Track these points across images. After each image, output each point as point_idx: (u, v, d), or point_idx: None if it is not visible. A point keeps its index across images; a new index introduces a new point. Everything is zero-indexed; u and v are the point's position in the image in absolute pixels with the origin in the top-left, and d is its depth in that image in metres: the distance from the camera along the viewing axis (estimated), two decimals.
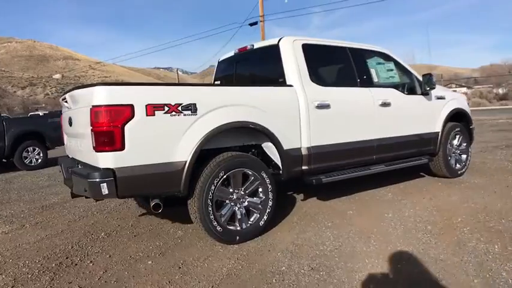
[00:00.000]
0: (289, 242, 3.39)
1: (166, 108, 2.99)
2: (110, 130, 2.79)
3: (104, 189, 2.79)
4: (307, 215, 4.15)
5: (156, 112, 2.94)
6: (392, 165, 4.70)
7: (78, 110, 3.21)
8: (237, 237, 3.40)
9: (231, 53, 4.88)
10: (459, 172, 5.59)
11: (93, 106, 2.81)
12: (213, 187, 3.24)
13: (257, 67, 4.62)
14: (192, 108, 3.10)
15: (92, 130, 2.83)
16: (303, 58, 3.93)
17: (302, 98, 3.78)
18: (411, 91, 4.93)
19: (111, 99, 2.80)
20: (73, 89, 3.34)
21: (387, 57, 4.91)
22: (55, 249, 3.59)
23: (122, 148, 2.82)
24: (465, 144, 5.70)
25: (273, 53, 4.06)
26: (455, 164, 5.57)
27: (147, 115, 2.91)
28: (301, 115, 3.78)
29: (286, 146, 3.66)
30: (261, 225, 3.55)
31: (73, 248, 3.59)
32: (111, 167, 2.82)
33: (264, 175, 3.55)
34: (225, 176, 3.32)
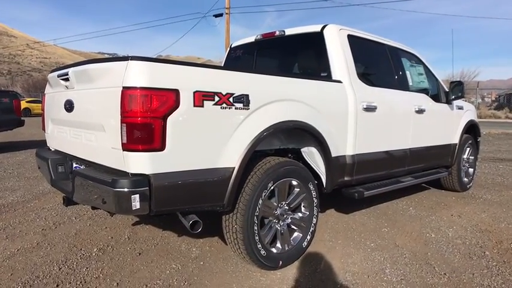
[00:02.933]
0: (340, 268, 2.84)
1: (216, 99, 2.28)
2: (148, 122, 2.04)
3: (135, 202, 2.04)
4: (338, 231, 3.63)
5: (204, 102, 2.23)
6: (420, 178, 4.33)
7: (91, 92, 2.38)
8: (280, 262, 2.78)
9: (250, 39, 4.20)
10: (467, 186, 5.40)
11: (125, 88, 2.04)
12: (260, 201, 2.59)
13: (289, 57, 3.99)
14: (244, 100, 2.43)
15: (121, 121, 2.05)
16: (350, 51, 3.39)
17: (351, 97, 3.23)
18: (436, 98, 4.59)
19: (152, 80, 2.05)
20: (81, 63, 2.50)
21: (418, 60, 4.53)
22: (36, 271, 2.73)
23: (162, 148, 2.08)
24: (473, 157, 5.52)
25: (314, 42, 3.48)
26: (464, 178, 5.36)
27: (194, 105, 2.19)
28: (349, 117, 3.23)
29: (334, 153, 3.10)
30: (304, 246, 2.96)
31: (61, 271, 2.74)
32: (146, 173, 2.07)
33: (311, 187, 2.96)
34: (272, 188, 2.68)
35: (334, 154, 3.09)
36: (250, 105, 2.45)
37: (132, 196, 2.02)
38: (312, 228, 3.00)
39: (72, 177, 2.44)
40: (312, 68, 3.63)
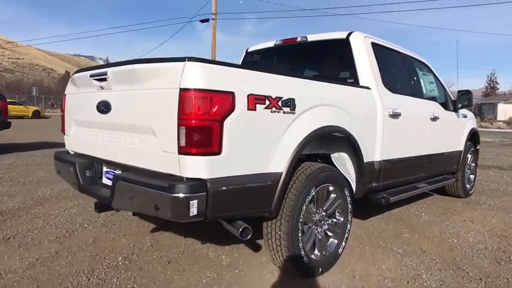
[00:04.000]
0: (377, 274, 2.82)
1: (267, 102, 2.24)
2: (206, 125, 1.96)
3: (193, 208, 1.95)
4: (361, 237, 3.62)
5: (257, 106, 2.18)
6: (433, 184, 4.40)
7: (137, 93, 2.28)
8: (320, 269, 2.74)
9: (269, 44, 4.17)
10: (470, 192, 5.53)
11: (182, 89, 1.97)
12: (304, 207, 2.55)
13: (311, 63, 3.98)
14: (291, 104, 2.39)
15: (178, 123, 1.97)
16: (375, 58, 3.42)
17: (379, 104, 3.25)
18: (445, 106, 4.69)
19: (210, 82, 1.98)
20: (123, 63, 2.40)
21: (428, 69, 4.62)
22: (63, 282, 2.57)
23: (219, 151, 2.01)
24: (474, 164, 5.67)
25: (340, 49, 3.49)
26: (467, 184, 5.49)
27: (248, 108, 2.13)
28: (378, 123, 3.25)
29: (365, 158, 3.10)
30: (339, 252, 2.93)
31: (91, 281, 2.60)
32: (203, 177, 2.00)
33: (346, 193, 2.94)
34: (313, 193, 2.64)
35: (365, 160, 3.09)
36: (296, 109, 2.42)
37: (190, 202, 1.94)
38: (346, 235, 2.98)
39: (113, 182, 2.32)
40: (337, 74, 3.63)
